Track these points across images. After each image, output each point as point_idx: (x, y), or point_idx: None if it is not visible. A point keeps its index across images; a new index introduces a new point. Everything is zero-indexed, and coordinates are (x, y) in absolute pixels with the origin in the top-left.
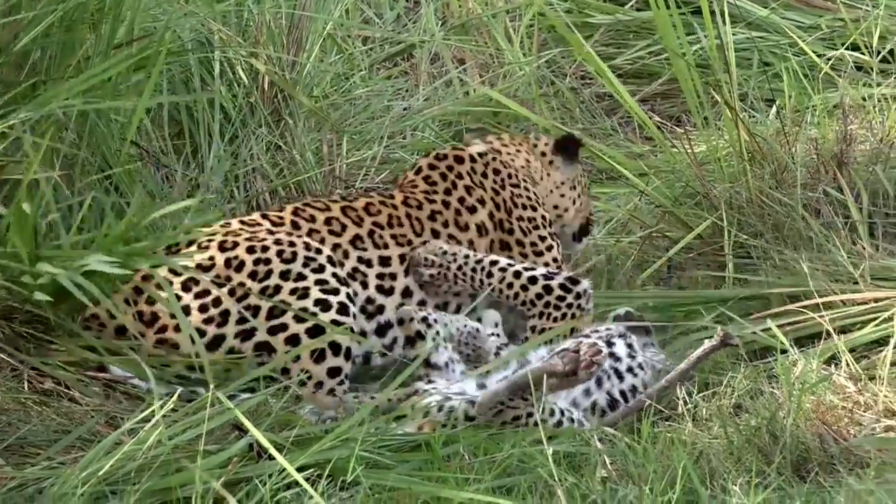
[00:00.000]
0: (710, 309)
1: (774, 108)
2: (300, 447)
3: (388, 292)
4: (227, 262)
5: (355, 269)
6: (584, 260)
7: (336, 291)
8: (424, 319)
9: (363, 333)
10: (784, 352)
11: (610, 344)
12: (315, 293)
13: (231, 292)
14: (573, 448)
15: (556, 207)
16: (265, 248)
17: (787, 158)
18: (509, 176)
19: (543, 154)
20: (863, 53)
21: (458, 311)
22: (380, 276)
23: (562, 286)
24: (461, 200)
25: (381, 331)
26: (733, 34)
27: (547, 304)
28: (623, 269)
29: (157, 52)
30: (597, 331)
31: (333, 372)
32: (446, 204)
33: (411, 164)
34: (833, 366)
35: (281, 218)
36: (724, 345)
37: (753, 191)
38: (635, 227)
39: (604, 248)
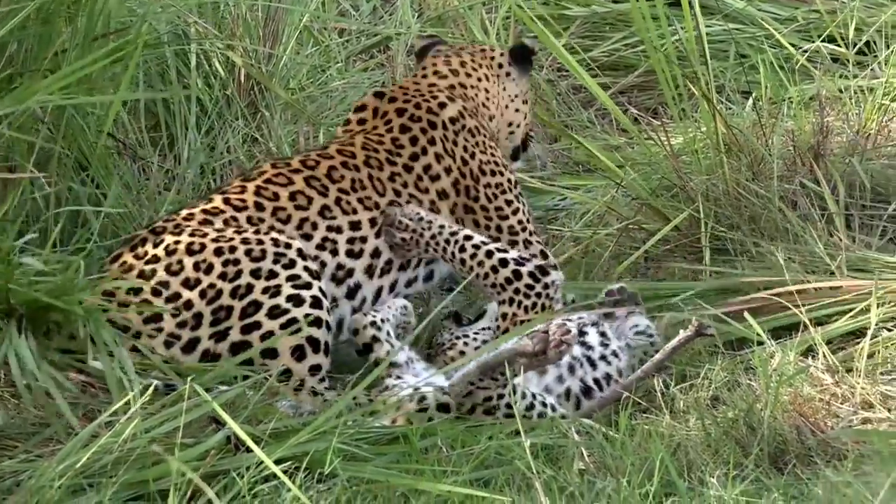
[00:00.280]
0: (687, 300)
1: (751, 100)
2: (278, 440)
3: (358, 255)
4: (196, 266)
5: (325, 239)
6: (561, 252)
7: (308, 286)
8: (373, 324)
9: (334, 300)
10: (761, 344)
11: (583, 333)
12: (287, 290)
13: (202, 294)
14: (551, 440)
15: (510, 125)
16: (233, 249)
17: (764, 150)
18: (478, 144)
19: (500, 66)
20: (839, 45)
21: (419, 266)
22: (350, 241)
23: (531, 274)
24: (426, 168)
25: (351, 294)
26: (710, 26)
27: (516, 291)
28: (600, 262)
29: (134, 45)
30: (570, 319)
31: (314, 369)
32: (408, 168)
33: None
34: (810, 358)
35: (244, 201)
36: (698, 335)
37: (730, 183)
38: (612, 219)
39: (581, 240)
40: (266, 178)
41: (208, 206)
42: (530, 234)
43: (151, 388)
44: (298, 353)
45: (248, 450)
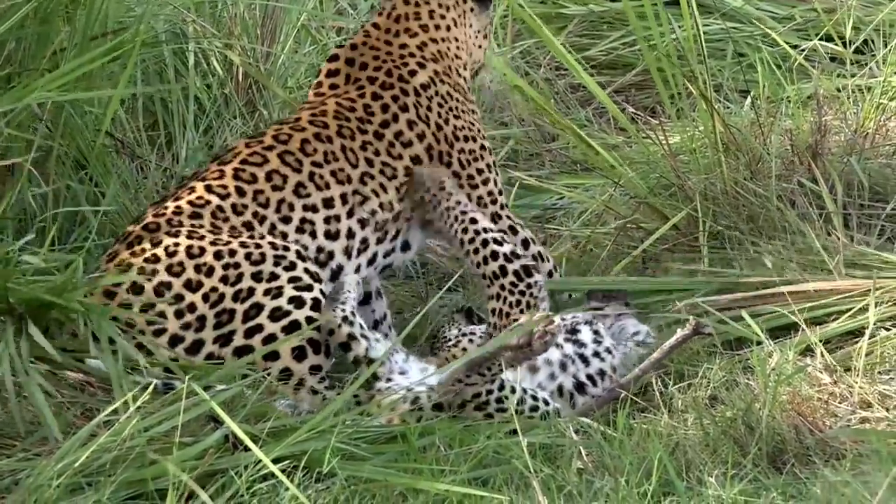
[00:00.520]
0: (685, 299)
1: (749, 99)
2: (276, 439)
3: (335, 237)
4: (198, 268)
5: (303, 220)
6: (559, 250)
7: (310, 288)
8: (345, 319)
9: (316, 275)
10: (759, 343)
11: (575, 331)
12: (289, 291)
13: (205, 297)
14: (549, 439)
15: (475, 62)
16: (233, 253)
17: (762, 149)
18: (452, 109)
19: (465, 1)
20: (837, 44)
21: (390, 236)
22: (326, 221)
23: (516, 272)
24: (398, 135)
25: (335, 276)
26: (708, 25)
27: (502, 287)
28: (598, 261)
29: (132, 43)
30: (563, 318)
31: (315, 369)
32: (379, 136)
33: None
34: (808, 357)
35: (225, 187)
36: (696, 333)
37: (728, 182)
38: (610, 218)
39: (579, 239)
40: (241, 158)
41: (193, 197)
42: (501, 206)
43: (151, 388)
44: (299, 353)
45: (247, 449)
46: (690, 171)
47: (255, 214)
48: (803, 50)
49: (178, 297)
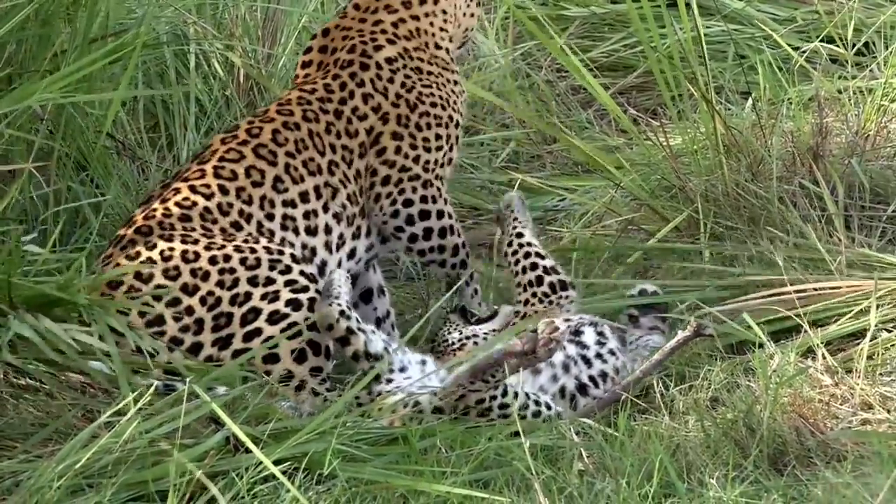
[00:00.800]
0: (686, 301)
1: (750, 101)
2: (277, 440)
3: (314, 232)
4: (193, 273)
5: (285, 217)
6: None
7: (305, 289)
8: (342, 313)
9: (312, 277)
10: (760, 345)
11: (578, 332)
12: (286, 294)
13: (202, 301)
14: (550, 441)
15: (465, 29)
16: (227, 258)
17: (763, 151)
18: (421, 80)
19: None
20: (838, 46)
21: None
22: (305, 216)
23: (551, 284)
24: (354, 110)
25: (321, 272)
26: (709, 27)
27: (534, 294)
28: (599, 262)
29: (133, 45)
30: (569, 320)
31: (315, 371)
32: (339, 114)
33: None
34: (810, 359)
35: (208, 187)
36: (697, 335)
37: (729, 183)
38: (611, 219)
39: (581, 241)
40: (219, 156)
41: (180, 199)
42: (436, 177)
43: (152, 389)
44: (299, 355)
45: (248, 450)
46: (692, 173)
47: (241, 213)
48: (804, 52)
49: (176, 301)
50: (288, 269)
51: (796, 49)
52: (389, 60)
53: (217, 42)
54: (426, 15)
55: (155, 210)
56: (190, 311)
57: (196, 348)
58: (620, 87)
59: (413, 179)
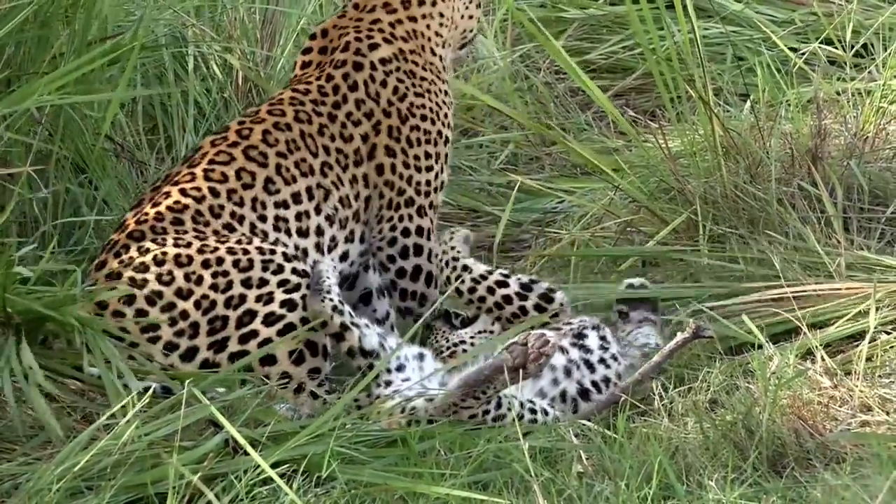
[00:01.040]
0: (685, 303)
1: (748, 103)
2: (276, 443)
3: (306, 234)
4: (187, 277)
5: (277, 218)
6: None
7: (298, 287)
8: (335, 308)
9: (304, 273)
10: (759, 347)
11: (582, 336)
12: (279, 295)
13: (196, 305)
14: (549, 443)
15: (463, 33)
16: (220, 261)
17: (762, 153)
18: (413, 86)
19: None
20: (836, 48)
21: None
22: (297, 218)
23: (537, 307)
24: (349, 115)
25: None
26: (707, 28)
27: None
28: (598, 264)
29: (131, 47)
30: (570, 323)
31: (313, 372)
32: (333, 118)
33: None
34: (809, 361)
35: (199, 189)
36: (696, 337)
37: (728, 185)
38: (610, 221)
39: (580, 243)
40: (209, 159)
41: (171, 202)
42: (430, 205)
43: (150, 392)
44: (297, 356)
45: (246, 453)
46: (690, 175)
47: (232, 215)
48: (803, 54)
49: (171, 306)
50: (280, 269)
51: (795, 51)
52: (384, 61)
53: (215, 44)
54: (423, 17)
55: (147, 214)
56: (185, 315)
57: (192, 352)
58: (619, 89)
59: (409, 205)
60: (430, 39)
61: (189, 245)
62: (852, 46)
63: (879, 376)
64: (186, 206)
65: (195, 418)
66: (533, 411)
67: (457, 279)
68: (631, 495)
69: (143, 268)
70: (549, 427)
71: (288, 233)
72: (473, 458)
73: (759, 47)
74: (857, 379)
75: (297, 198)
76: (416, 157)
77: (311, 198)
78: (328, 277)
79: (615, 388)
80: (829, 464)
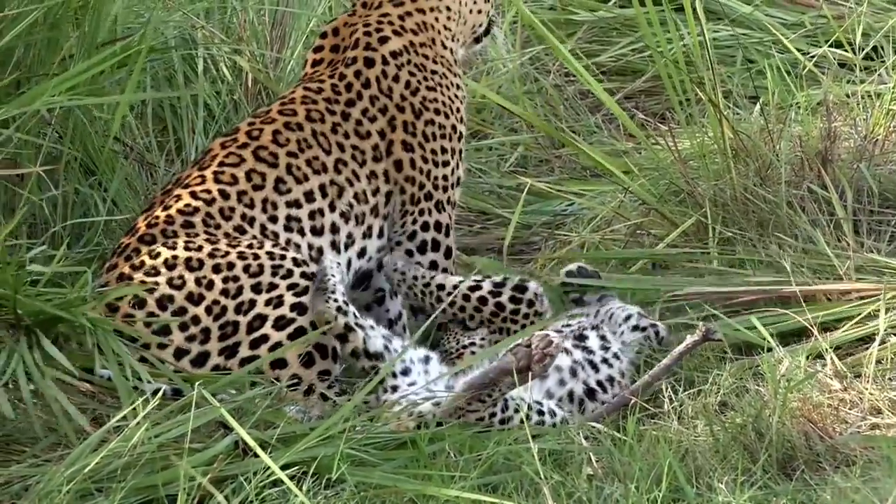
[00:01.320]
0: (694, 305)
1: (758, 106)
2: (286, 445)
3: (320, 232)
4: (198, 282)
5: (289, 218)
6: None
7: (307, 290)
8: (339, 309)
9: (313, 276)
10: (769, 349)
11: (583, 337)
12: (289, 299)
13: (207, 310)
14: (559, 446)
15: (473, 27)
16: (231, 266)
17: (772, 156)
18: (425, 79)
19: None
20: (846, 51)
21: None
22: (311, 216)
23: (512, 298)
24: (364, 112)
25: None
26: (717, 31)
27: (504, 320)
28: (608, 267)
29: (140, 48)
30: (569, 325)
31: (323, 375)
32: (346, 116)
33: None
34: (819, 363)
35: (209, 192)
36: (706, 340)
37: (738, 188)
38: (620, 224)
39: (590, 245)
40: (219, 161)
41: (181, 205)
42: (448, 200)
43: (160, 394)
44: (307, 359)
45: (256, 455)
46: (700, 178)
47: (243, 217)
48: (813, 56)
49: (182, 310)
50: (290, 273)
51: (805, 54)
52: (394, 55)
53: (225, 46)
54: (431, 10)
55: (157, 217)
56: (196, 320)
57: (203, 357)
58: (628, 92)
59: (428, 199)
60: (439, 32)
61: (200, 248)
62: (862, 49)
63: (889, 379)
64: (197, 209)
65: (205, 420)
66: (541, 413)
67: (437, 301)
68: (641, 498)
69: (154, 271)
70: (558, 429)
71: (301, 232)
72: (483, 461)
73: (768, 50)
74: (867, 381)
75: (309, 196)
76: (434, 152)
77: (324, 195)
78: (332, 276)
79: (625, 390)
80: (839, 466)
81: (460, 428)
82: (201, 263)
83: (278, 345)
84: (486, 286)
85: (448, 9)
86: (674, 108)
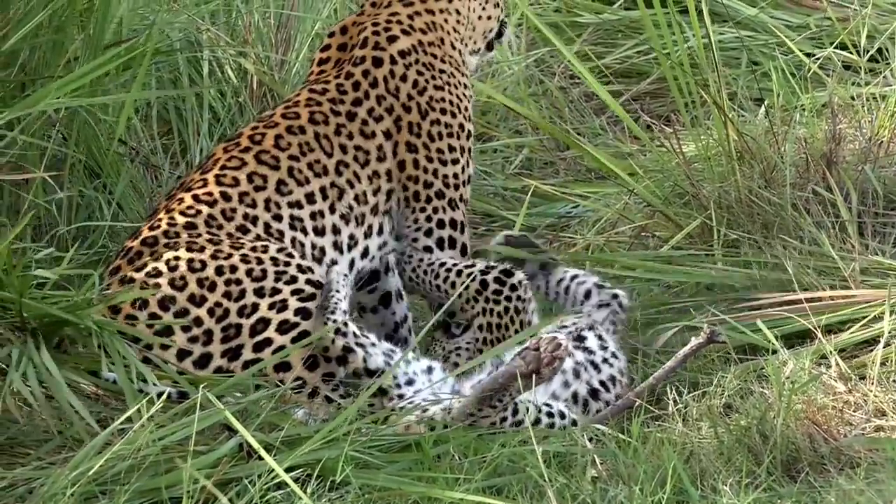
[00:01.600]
0: (699, 307)
1: (763, 108)
2: (290, 447)
3: (322, 232)
4: (200, 283)
5: (292, 217)
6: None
7: (313, 297)
8: (338, 331)
9: (318, 284)
10: (774, 351)
11: (582, 338)
12: (294, 303)
13: (210, 312)
14: (563, 448)
15: (483, 33)
16: (234, 269)
17: (777, 158)
18: (433, 79)
19: None
20: (851, 53)
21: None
22: (312, 217)
23: (497, 279)
24: (370, 111)
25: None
26: (722, 33)
27: (486, 300)
28: (612, 269)
29: (144, 50)
30: (565, 326)
31: (328, 377)
32: (352, 116)
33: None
34: (823, 365)
35: (210, 195)
36: (710, 342)
37: (742, 190)
38: (625, 226)
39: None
40: (221, 164)
41: (184, 208)
42: (461, 198)
43: (164, 396)
44: (311, 362)
45: (261, 457)
46: (705, 180)
47: (245, 217)
48: (818, 58)
49: (184, 311)
50: (294, 280)
51: (809, 56)
52: (403, 54)
53: (230, 48)
54: (441, 11)
55: (160, 220)
56: (199, 322)
57: (206, 359)
58: (634, 94)
59: (440, 197)
60: (448, 33)
61: (202, 250)
62: (867, 51)
63: (894, 381)
64: (199, 212)
65: (210, 423)
66: (550, 415)
67: (436, 278)
68: (645, 500)
69: (156, 273)
70: (563, 432)
71: (304, 231)
72: (488, 463)
73: (773, 52)
74: (872, 384)
75: (310, 198)
76: (440, 151)
77: (325, 197)
78: (336, 291)
79: (630, 392)
80: (844, 469)
81: (465, 430)
82: (203, 265)
83: (282, 348)
84: (479, 266)
85: (458, 12)
86: (679, 110)
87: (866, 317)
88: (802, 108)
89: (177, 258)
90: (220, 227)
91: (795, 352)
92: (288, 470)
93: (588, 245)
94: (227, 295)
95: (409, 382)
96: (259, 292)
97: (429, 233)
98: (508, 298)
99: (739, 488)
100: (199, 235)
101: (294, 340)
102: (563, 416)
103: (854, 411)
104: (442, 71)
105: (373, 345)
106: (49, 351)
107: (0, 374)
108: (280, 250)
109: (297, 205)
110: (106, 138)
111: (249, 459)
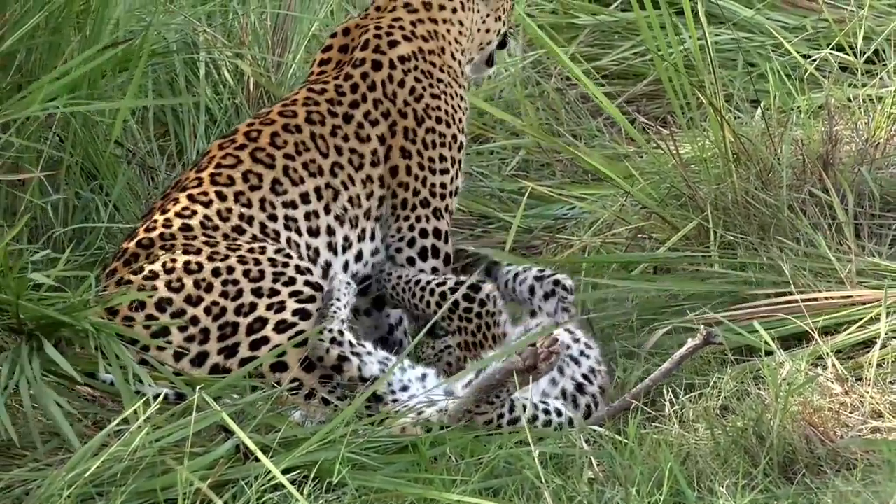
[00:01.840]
0: (695, 309)
1: (759, 109)
2: (286, 449)
3: (316, 233)
4: (197, 284)
5: (287, 217)
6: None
7: (312, 299)
8: (333, 340)
9: (317, 286)
10: (770, 353)
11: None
12: (292, 304)
13: (206, 311)
14: (560, 449)
15: (481, 45)
16: (231, 270)
17: (773, 159)
18: (431, 86)
19: None
20: (847, 54)
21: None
22: (307, 217)
23: (466, 297)
24: (367, 115)
25: (325, 273)
26: (718, 35)
27: (459, 318)
28: (609, 271)
29: (140, 51)
30: (540, 324)
31: (325, 379)
32: (348, 118)
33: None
34: (819, 367)
35: (206, 194)
36: (706, 343)
37: (739, 192)
38: (621, 227)
39: (591, 249)
40: (216, 162)
41: (179, 208)
42: (446, 208)
43: (161, 398)
44: (307, 363)
45: (257, 459)
46: (701, 181)
47: (241, 216)
48: (814, 60)
49: (180, 312)
50: (292, 281)
51: (806, 57)
52: (402, 59)
53: (227, 50)
54: (444, 21)
55: (156, 222)
56: (195, 320)
57: (202, 357)
58: (630, 96)
59: (424, 206)
60: (450, 43)
61: (199, 252)
62: (864, 52)
63: (890, 382)
64: (195, 212)
65: (206, 424)
66: (547, 412)
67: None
68: (642, 501)
69: (153, 275)
70: (559, 433)
71: (298, 231)
72: (484, 465)
73: (769, 53)
74: (868, 385)
75: (305, 198)
76: (431, 160)
77: (319, 198)
78: (337, 299)
79: (626, 394)
80: (840, 470)
81: (462, 432)
82: (200, 266)
83: (278, 346)
84: (450, 283)
85: (461, 23)
86: (675, 111)
87: (863, 318)
88: (799, 110)
89: (173, 260)
90: (215, 227)
91: (792, 353)
92: (285, 471)
93: (584, 247)
94: (224, 295)
95: (404, 389)
96: (257, 293)
97: (411, 242)
98: (479, 315)
99: (736, 490)
100: (196, 238)
101: (291, 340)
102: (559, 413)
103: (850, 413)
104: (440, 80)
105: (368, 353)
106: (45, 354)
107: None
108: (278, 251)
109: (292, 204)
110: (102, 140)
111: (246, 461)
